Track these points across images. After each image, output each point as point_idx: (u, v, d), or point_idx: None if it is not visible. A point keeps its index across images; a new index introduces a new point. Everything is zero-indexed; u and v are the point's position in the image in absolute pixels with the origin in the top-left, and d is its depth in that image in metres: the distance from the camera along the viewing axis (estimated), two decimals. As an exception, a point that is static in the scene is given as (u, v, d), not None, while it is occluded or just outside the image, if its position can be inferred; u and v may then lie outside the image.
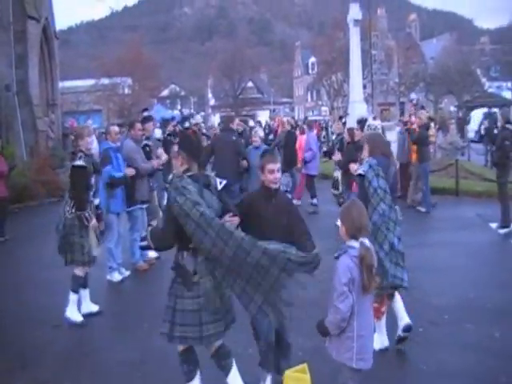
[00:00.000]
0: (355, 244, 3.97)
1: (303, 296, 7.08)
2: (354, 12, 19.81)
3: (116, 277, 8.63)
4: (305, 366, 4.15)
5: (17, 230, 12.49)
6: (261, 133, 12.22)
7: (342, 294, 3.83)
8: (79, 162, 6.90)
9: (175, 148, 4.75)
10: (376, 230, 5.44)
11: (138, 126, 9.79)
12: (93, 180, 7.18)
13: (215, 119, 54.39)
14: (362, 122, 10.26)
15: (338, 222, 4.14)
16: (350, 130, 11.16)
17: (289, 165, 14.51)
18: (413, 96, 38.69)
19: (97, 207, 7.40)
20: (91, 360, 5.35)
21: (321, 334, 4.01)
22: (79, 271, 6.90)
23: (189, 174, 4.37)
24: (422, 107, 19.58)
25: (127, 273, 8.87)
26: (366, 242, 3.98)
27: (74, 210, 6.78)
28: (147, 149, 9.69)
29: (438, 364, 5.38)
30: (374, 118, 15.32)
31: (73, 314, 6.77)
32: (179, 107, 74.09)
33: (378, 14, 58.76)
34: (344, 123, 15.36)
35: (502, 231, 10.90)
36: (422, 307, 6.91)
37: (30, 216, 14.52)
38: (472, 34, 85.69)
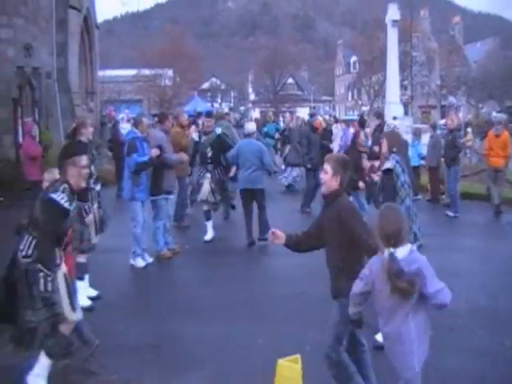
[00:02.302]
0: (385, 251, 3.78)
1: (312, 292, 7.22)
2: (393, 12, 19.83)
3: (139, 262, 8.81)
4: (298, 356, 4.26)
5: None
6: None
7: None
8: None
9: None
10: None
11: (170, 118, 10.06)
12: (93, 168, 7.10)
13: (254, 114, 54.11)
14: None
15: None
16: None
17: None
18: (451, 100, 38.02)
19: (98, 194, 7.43)
20: (103, 342, 5.47)
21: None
22: (81, 258, 6.93)
23: None
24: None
25: (151, 260, 9.05)
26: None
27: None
28: None
29: (445, 371, 5.34)
30: (394, 118, 15.36)
31: (82, 299, 6.87)
32: (219, 100, 74.53)
33: (420, 15, 58.05)
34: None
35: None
36: (435, 311, 6.85)
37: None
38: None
